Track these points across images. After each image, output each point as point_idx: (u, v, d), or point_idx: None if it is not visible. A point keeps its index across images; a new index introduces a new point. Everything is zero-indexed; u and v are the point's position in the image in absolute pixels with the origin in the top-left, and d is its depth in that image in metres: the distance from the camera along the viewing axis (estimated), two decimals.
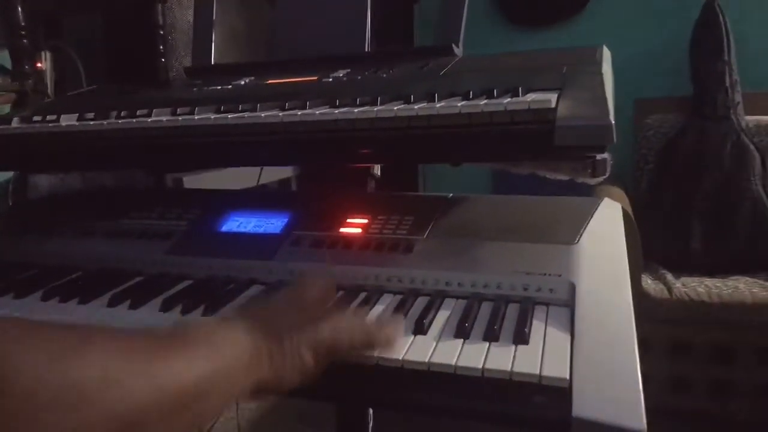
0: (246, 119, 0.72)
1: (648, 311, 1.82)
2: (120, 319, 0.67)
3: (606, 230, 0.72)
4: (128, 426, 0.38)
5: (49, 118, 0.85)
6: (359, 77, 0.86)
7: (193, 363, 0.44)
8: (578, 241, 0.69)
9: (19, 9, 1.48)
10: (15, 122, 0.87)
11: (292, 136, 0.71)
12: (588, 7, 2.55)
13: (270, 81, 0.93)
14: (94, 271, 0.81)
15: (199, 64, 1.11)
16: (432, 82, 0.78)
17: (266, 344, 0.51)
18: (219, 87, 0.93)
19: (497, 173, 2.63)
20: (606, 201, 0.78)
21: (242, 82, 0.94)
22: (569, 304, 0.62)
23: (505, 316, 0.61)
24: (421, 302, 0.66)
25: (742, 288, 1.85)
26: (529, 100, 0.61)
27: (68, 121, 0.83)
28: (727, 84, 2.16)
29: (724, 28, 2.18)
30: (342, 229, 0.78)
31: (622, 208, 0.77)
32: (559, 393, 0.49)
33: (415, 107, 0.65)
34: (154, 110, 0.80)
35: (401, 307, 0.64)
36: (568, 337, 0.56)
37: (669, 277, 1.95)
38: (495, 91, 0.65)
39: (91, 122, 0.81)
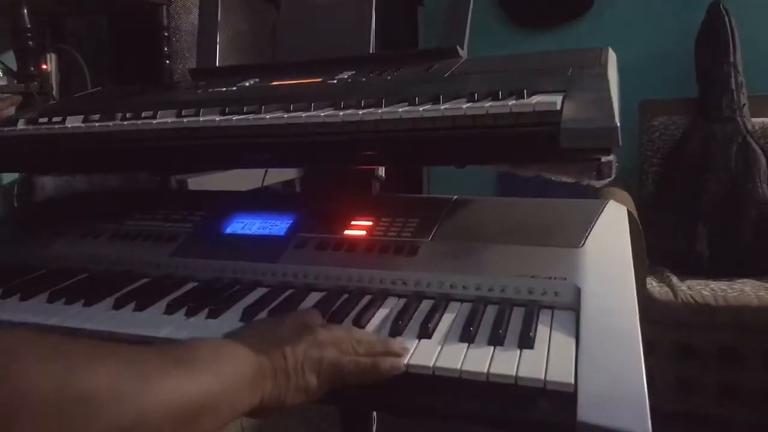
0: (250, 121, 0.72)
1: (653, 314, 1.81)
2: (125, 321, 0.67)
3: (611, 233, 0.71)
4: None
5: (54, 119, 0.85)
6: (364, 79, 0.86)
7: (199, 379, 0.45)
8: (583, 244, 0.69)
9: (25, 11, 1.48)
10: (21, 124, 0.87)
11: (296, 138, 0.71)
12: (593, 9, 2.54)
13: (274, 83, 0.93)
14: (100, 272, 0.82)
15: (203, 66, 1.11)
16: (437, 84, 0.78)
17: (270, 363, 0.51)
18: (224, 89, 0.93)
19: (502, 175, 2.62)
20: (611, 203, 0.78)
21: (247, 84, 0.94)
22: (574, 308, 0.61)
23: (510, 319, 0.61)
24: (425, 305, 0.66)
25: (747, 291, 1.84)
26: (534, 102, 0.61)
27: (73, 122, 0.83)
28: (733, 86, 2.15)
29: (729, 30, 2.18)
30: (346, 232, 0.78)
31: (628, 210, 0.77)
32: (564, 397, 0.49)
33: (420, 109, 0.65)
34: (159, 112, 0.80)
35: (406, 311, 0.64)
36: (573, 341, 0.55)
37: (674, 279, 1.95)
38: (500, 93, 0.65)
39: (97, 124, 0.81)
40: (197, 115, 0.77)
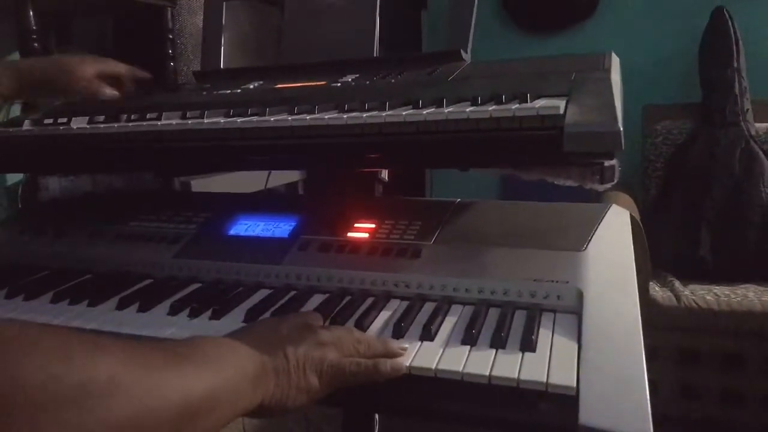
0: (255, 123, 0.73)
1: (656, 319, 1.80)
2: (129, 321, 0.67)
3: (614, 237, 0.71)
4: None
5: (59, 120, 0.85)
6: (368, 82, 0.87)
7: (201, 377, 0.45)
8: (586, 247, 0.69)
9: (31, 13, 1.49)
10: (26, 125, 0.88)
11: (300, 141, 0.71)
12: (596, 13, 2.54)
13: (279, 85, 0.93)
14: (104, 273, 0.82)
15: (208, 68, 1.12)
16: (440, 88, 0.78)
17: (272, 363, 0.52)
18: (228, 91, 0.93)
19: (505, 178, 2.62)
20: (614, 207, 0.78)
21: (251, 87, 0.95)
22: (577, 311, 0.62)
23: (513, 322, 0.61)
24: (428, 308, 0.66)
25: (751, 296, 1.83)
26: (537, 106, 0.61)
27: (79, 124, 0.84)
28: (737, 91, 2.15)
29: (733, 35, 2.18)
30: (349, 234, 0.78)
31: (630, 214, 0.77)
32: (566, 401, 0.49)
33: (424, 112, 0.65)
34: (163, 114, 0.80)
35: (408, 313, 0.64)
36: (575, 345, 0.56)
37: (677, 284, 1.94)
38: (503, 96, 0.65)
39: (102, 125, 0.82)
40: (202, 117, 0.77)
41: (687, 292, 1.87)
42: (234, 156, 0.80)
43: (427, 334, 0.59)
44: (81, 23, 2.04)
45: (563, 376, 0.50)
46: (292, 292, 0.73)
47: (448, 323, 0.62)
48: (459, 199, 0.84)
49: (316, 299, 0.71)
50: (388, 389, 0.54)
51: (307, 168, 1.15)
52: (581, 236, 0.71)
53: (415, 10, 2.87)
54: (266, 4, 2.19)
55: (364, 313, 0.65)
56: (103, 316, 0.69)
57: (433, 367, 0.54)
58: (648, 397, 0.47)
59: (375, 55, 1.01)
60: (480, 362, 0.54)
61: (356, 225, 0.80)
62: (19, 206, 1.40)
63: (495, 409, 0.51)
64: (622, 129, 0.56)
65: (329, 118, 0.69)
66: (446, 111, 0.64)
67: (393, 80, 0.86)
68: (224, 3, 1.12)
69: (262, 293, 0.73)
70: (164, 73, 1.86)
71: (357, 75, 0.91)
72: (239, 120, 0.74)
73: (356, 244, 0.76)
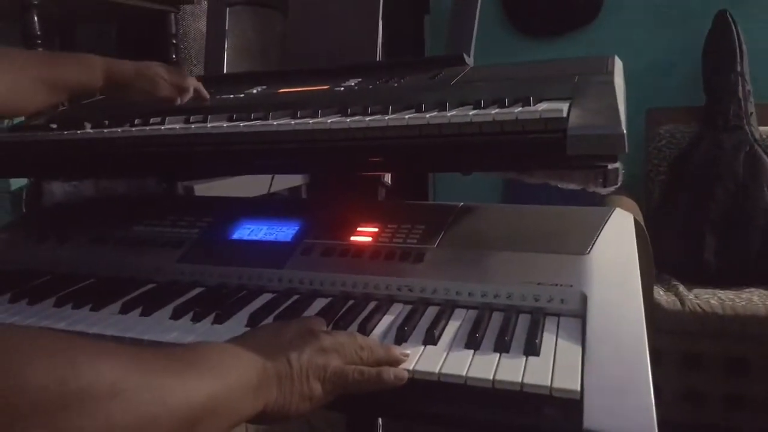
0: (258, 127, 0.73)
1: (660, 323, 1.80)
2: (132, 325, 0.67)
3: (618, 241, 0.71)
4: None
5: (64, 125, 0.85)
6: (370, 86, 0.87)
7: (203, 383, 0.45)
8: (590, 251, 0.69)
9: (35, 18, 1.50)
10: (30, 130, 0.88)
11: (303, 145, 0.71)
12: (599, 17, 2.54)
13: (282, 90, 0.93)
14: (107, 278, 0.82)
15: (211, 73, 1.12)
16: (443, 92, 0.79)
17: (275, 370, 0.51)
18: (231, 96, 0.93)
19: (508, 182, 2.62)
20: (618, 211, 0.77)
21: (254, 91, 0.95)
22: (580, 315, 0.61)
23: (516, 326, 0.61)
24: (431, 312, 0.66)
25: (756, 300, 1.83)
26: (540, 109, 0.61)
27: (82, 128, 0.84)
28: (740, 94, 2.14)
29: (736, 38, 2.17)
30: (352, 238, 0.78)
31: (634, 218, 0.77)
32: (570, 405, 0.48)
33: (426, 116, 0.65)
34: (167, 118, 0.80)
35: (411, 318, 0.64)
36: (579, 349, 0.55)
37: (681, 288, 1.94)
38: (506, 100, 0.65)
39: (105, 130, 0.82)
40: (205, 121, 0.77)
41: (691, 296, 1.87)
42: (237, 160, 0.80)
43: (431, 339, 0.59)
44: (85, 28, 2.05)
45: (567, 380, 0.50)
46: (295, 296, 0.73)
47: (452, 327, 0.62)
48: (462, 203, 0.84)
49: (319, 303, 0.71)
50: (391, 394, 0.54)
51: (310, 172, 1.15)
52: (585, 240, 0.71)
53: (417, 15, 2.87)
54: (269, 9, 2.19)
55: (366, 317, 0.65)
56: (105, 321, 0.69)
57: (437, 371, 0.53)
58: (653, 401, 0.47)
59: (378, 59, 1.02)
60: (483, 366, 0.53)
61: (359, 229, 0.80)
62: (23, 211, 1.40)
63: (499, 413, 0.51)
64: (625, 132, 0.56)
65: (332, 122, 0.69)
66: (449, 114, 0.64)
67: (396, 84, 0.86)
68: (227, 8, 1.13)
69: (265, 297, 0.73)
70: None
71: (360, 79, 0.91)
72: (242, 124, 0.74)
73: (359, 248, 0.76)
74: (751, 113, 2.15)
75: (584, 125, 0.58)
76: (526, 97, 0.64)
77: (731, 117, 2.14)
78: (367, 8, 1.02)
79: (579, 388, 0.49)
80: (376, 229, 0.79)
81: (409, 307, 0.68)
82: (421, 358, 0.56)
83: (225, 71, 1.12)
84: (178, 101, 0.90)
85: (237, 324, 0.66)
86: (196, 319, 0.67)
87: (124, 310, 0.71)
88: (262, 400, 0.50)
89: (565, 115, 0.59)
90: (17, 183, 1.54)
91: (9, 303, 0.75)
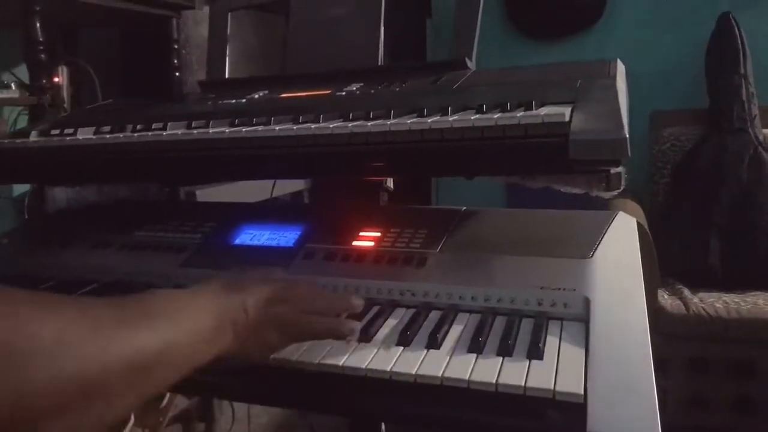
0: (260, 132, 0.73)
1: (664, 327, 1.79)
2: None
3: (621, 244, 0.71)
4: (81, 389, 0.39)
5: (66, 131, 0.86)
6: (372, 91, 0.87)
7: (154, 332, 0.45)
8: (593, 255, 0.69)
9: (38, 24, 1.50)
10: (33, 136, 0.89)
11: (305, 149, 0.71)
12: (602, 20, 2.54)
13: (284, 95, 0.93)
14: (109, 283, 0.82)
15: (213, 78, 1.12)
16: (445, 96, 0.78)
17: (231, 317, 0.52)
18: (233, 101, 0.93)
19: (511, 186, 2.61)
20: (621, 215, 0.77)
21: (256, 96, 0.95)
22: (584, 319, 0.61)
23: (519, 330, 0.61)
24: (434, 316, 0.66)
25: (761, 304, 1.82)
26: (542, 113, 0.61)
27: (85, 134, 0.84)
28: (744, 97, 2.14)
29: (739, 41, 2.17)
30: (355, 243, 0.78)
31: (638, 222, 0.76)
32: (574, 409, 0.48)
33: (429, 120, 0.65)
34: (169, 124, 0.80)
35: (414, 322, 0.64)
36: (583, 353, 0.55)
37: (686, 292, 1.93)
38: (508, 104, 0.65)
39: (108, 135, 0.82)
40: (207, 126, 0.77)
41: (696, 300, 1.86)
42: (239, 165, 0.80)
43: (434, 342, 0.59)
44: (87, 33, 2.05)
45: (571, 384, 0.50)
46: None
47: (455, 331, 0.62)
48: (465, 207, 0.84)
49: None
50: (394, 397, 0.54)
51: (312, 177, 1.15)
52: (588, 244, 0.70)
53: (419, 19, 2.88)
54: (271, 14, 2.20)
55: (369, 321, 0.64)
56: None
57: (440, 374, 0.53)
58: (656, 405, 0.47)
59: (379, 64, 1.02)
60: (487, 370, 0.53)
61: (361, 233, 0.79)
62: (26, 216, 1.41)
63: (502, 417, 0.51)
64: (628, 136, 0.55)
65: (334, 127, 0.69)
66: (451, 119, 0.64)
67: (397, 89, 0.86)
68: (229, 13, 1.13)
69: None
70: (170, 83, 1.87)
71: (361, 84, 0.91)
72: (244, 129, 0.74)
73: (361, 253, 0.76)
74: (755, 116, 2.14)
75: (586, 129, 0.57)
76: (529, 101, 0.64)
77: (735, 120, 2.13)
78: (368, 12, 1.02)
79: (582, 392, 0.49)
80: (378, 234, 0.79)
81: (411, 312, 0.67)
82: (424, 362, 0.56)
83: (227, 76, 1.12)
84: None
85: None
86: None
87: None
88: (215, 347, 0.50)
89: (567, 119, 0.59)
90: (20, 189, 1.55)
91: None
